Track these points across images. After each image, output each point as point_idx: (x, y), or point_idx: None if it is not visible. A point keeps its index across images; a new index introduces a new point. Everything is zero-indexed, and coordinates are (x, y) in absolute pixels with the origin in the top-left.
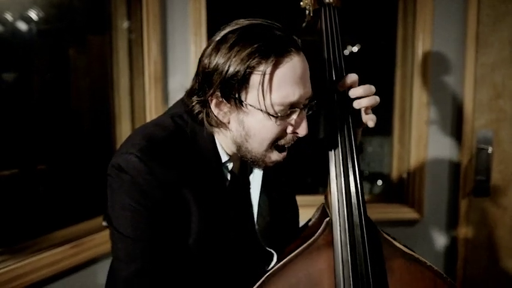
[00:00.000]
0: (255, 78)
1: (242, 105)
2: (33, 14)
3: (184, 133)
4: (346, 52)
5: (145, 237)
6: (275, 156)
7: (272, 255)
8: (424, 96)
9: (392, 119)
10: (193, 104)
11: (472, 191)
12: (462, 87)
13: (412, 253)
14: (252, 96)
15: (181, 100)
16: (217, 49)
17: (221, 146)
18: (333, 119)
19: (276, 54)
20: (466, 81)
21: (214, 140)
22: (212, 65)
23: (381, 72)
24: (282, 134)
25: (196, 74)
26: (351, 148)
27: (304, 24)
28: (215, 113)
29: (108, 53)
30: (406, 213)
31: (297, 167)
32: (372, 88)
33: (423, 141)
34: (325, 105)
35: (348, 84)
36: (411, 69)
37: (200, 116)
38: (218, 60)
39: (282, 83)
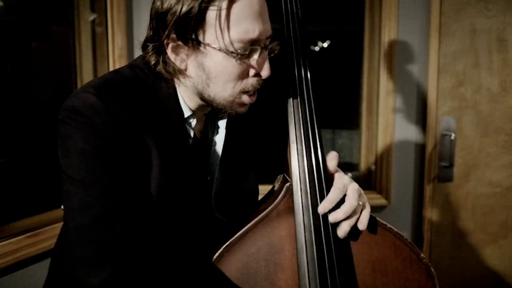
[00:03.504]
0: (211, 15)
1: (200, 46)
2: None
3: (144, 83)
4: (317, 48)
5: (103, 181)
6: (244, 98)
7: (232, 223)
8: (390, 84)
9: (361, 107)
10: (149, 54)
11: (437, 177)
12: (426, 75)
13: (373, 216)
14: (209, 34)
15: (141, 56)
16: None
17: (183, 100)
18: (294, 90)
19: None
20: (430, 69)
21: (176, 93)
22: (165, 5)
23: (350, 64)
24: (245, 76)
25: (150, 20)
26: (311, 111)
27: None
28: (172, 59)
29: (72, 45)
30: (375, 199)
31: (265, 147)
32: (353, 204)
33: (390, 129)
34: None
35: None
36: (378, 58)
37: (158, 67)
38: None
39: (241, 18)
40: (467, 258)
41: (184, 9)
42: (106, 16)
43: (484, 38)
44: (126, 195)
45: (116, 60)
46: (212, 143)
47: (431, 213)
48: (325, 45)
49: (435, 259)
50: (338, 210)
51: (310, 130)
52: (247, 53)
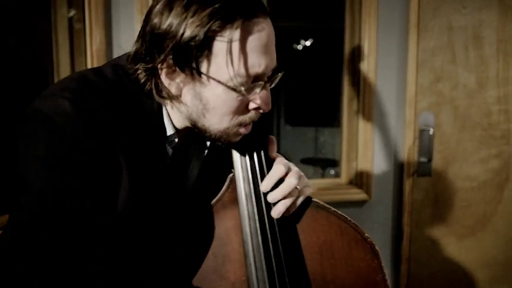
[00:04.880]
0: (218, 46)
1: (200, 76)
2: None
3: (127, 91)
4: (300, 47)
5: (58, 198)
6: (240, 130)
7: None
8: (371, 80)
9: (342, 104)
10: (139, 72)
11: (416, 172)
12: (405, 71)
13: (317, 200)
14: (212, 66)
15: (127, 55)
16: (169, 6)
17: (169, 118)
18: None
19: (242, 17)
20: (409, 65)
21: (161, 109)
22: (164, 26)
23: (332, 62)
24: (244, 110)
25: (143, 36)
26: None
27: None
28: (166, 84)
29: (49, 41)
30: (356, 194)
31: None
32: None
33: (370, 125)
34: None
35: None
36: (358, 55)
37: (148, 86)
38: (171, 20)
39: (250, 52)
40: (446, 252)
41: (187, 34)
42: (84, 12)
43: (460, 35)
44: (83, 216)
45: (94, 57)
46: (191, 160)
47: (410, 208)
48: (308, 43)
49: (415, 253)
50: (276, 190)
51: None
52: (250, 87)
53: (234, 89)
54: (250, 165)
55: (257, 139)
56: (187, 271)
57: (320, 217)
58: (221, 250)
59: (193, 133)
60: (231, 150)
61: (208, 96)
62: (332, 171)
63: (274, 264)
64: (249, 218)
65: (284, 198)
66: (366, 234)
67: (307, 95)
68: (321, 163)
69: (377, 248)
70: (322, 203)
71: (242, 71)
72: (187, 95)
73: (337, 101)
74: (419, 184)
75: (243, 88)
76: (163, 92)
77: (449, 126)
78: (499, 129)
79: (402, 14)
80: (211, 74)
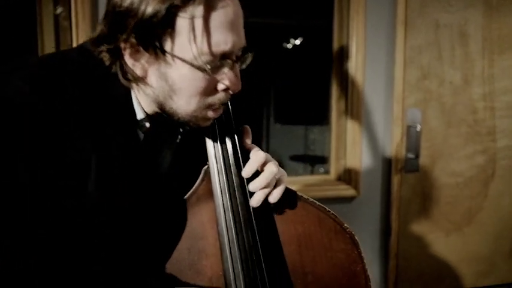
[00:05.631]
0: (181, 22)
1: (164, 55)
2: None
3: (93, 75)
4: (289, 45)
5: (14, 196)
6: (209, 114)
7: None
8: (359, 77)
9: (330, 101)
10: (103, 54)
11: (403, 168)
12: (393, 68)
13: (294, 191)
14: (176, 44)
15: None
16: None
17: (138, 102)
18: None
19: None
20: (396, 62)
21: (130, 92)
22: (126, 4)
23: (321, 61)
24: (213, 91)
25: (105, 16)
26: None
27: None
28: (130, 65)
29: (35, 39)
30: (344, 190)
31: None
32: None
33: (358, 122)
34: None
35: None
36: (346, 52)
37: (113, 69)
38: None
39: (214, 28)
40: (434, 247)
41: (149, 11)
42: (70, 10)
43: (447, 32)
44: (46, 212)
45: None
46: (163, 147)
47: (398, 204)
48: (298, 42)
49: (403, 248)
50: (258, 178)
51: (224, 112)
52: (217, 66)
53: (199, 68)
54: (225, 156)
55: (231, 130)
56: (159, 263)
57: (298, 208)
58: (197, 245)
59: (164, 119)
60: (205, 142)
61: (174, 77)
62: (321, 169)
63: (251, 257)
64: (225, 211)
65: (264, 187)
66: (345, 225)
67: (297, 94)
68: (310, 160)
69: (356, 238)
70: (300, 194)
71: (206, 49)
72: (152, 76)
73: (326, 99)
74: (407, 180)
75: (209, 67)
76: (128, 74)
77: (436, 122)
78: (485, 126)
79: (390, 12)
80: (176, 52)
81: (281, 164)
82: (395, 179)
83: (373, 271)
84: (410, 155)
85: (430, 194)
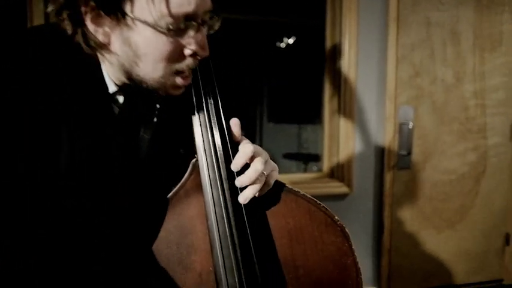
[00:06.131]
0: None
1: (125, 19)
2: None
3: (61, 51)
4: (283, 45)
5: None
6: (178, 81)
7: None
8: (351, 75)
9: (323, 99)
10: (65, 22)
11: (396, 165)
12: (385, 66)
13: (285, 184)
14: (136, 6)
15: None
16: None
17: (108, 75)
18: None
19: None
20: (389, 60)
21: (100, 65)
22: None
23: (315, 60)
24: (179, 56)
25: None
26: (211, 78)
27: None
28: (92, 31)
29: None
30: (337, 187)
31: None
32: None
33: (351, 119)
34: None
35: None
36: (339, 50)
37: (76, 38)
38: None
39: None
40: (426, 243)
41: None
42: None
43: (438, 30)
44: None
45: None
46: (140, 123)
47: (391, 201)
48: (291, 41)
49: (395, 244)
50: (243, 175)
51: (211, 98)
52: (181, 29)
53: (161, 31)
54: (214, 149)
55: (220, 122)
56: (138, 250)
57: (289, 201)
58: (185, 240)
59: (137, 92)
60: (194, 134)
61: (138, 41)
62: (315, 167)
63: (242, 251)
64: (215, 205)
65: (252, 183)
66: (336, 217)
67: (290, 93)
68: (303, 158)
69: (347, 231)
70: (290, 186)
71: (165, 10)
72: (116, 42)
73: (319, 98)
74: (399, 177)
75: (172, 28)
76: (91, 41)
77: (428, 120)
78: (476, 123)
79: (382, 10)
80: (136, 14)
81: (275, 162)
82: (388, 176)
83: (366, 267)
84: (403, 152)
85: (422, 191)
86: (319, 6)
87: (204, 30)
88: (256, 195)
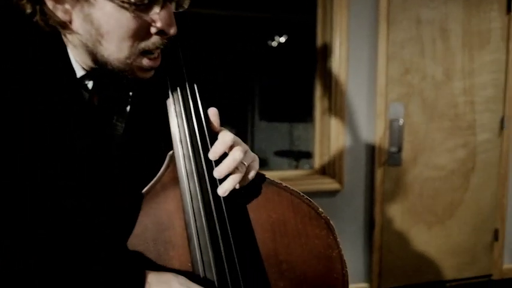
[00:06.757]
0: None
1: None
2: None
3: (22, 34)
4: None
5: None
6: (144, 62)
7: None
8: (342, 72)
9: (314, 96)
10: (23, 1)
11: (386, 161)
12: (375, 63)
13: (266, 176)
14: None
15: None
16: None
17: (75, 59)
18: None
19: None
20: (379, 57)
21: (66, 48)
22: None
23: (306, 58)
24: (145, 34)
25: None
26: (187, 67)
27: None
28: (51, 8)
29: None
30: (328, 184)
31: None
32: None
33: (341, 116)
34: None
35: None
36: (330, 47)
37: (35, 18)
38: None
39: None
40: (417, 239)
41: None
42: None
43: (428, 27)
44: None
45: None
46: (112, 111)
47: (382, 197)
48: (283, 40)
49: (387, 240)
50: (221, 164)
51: (188, 88)
52: (145, 4)
53: (124, 7)
54: (191, 140)
55: (197, 112)
56: (113, 242)
57: (271, 193)
58: (163, 236)
59: (106, 76)
60: (170, 124)
61: (99, 18)
62: (307, 165)
63: (221, 246)
64: (192, 198)
65: (231, 173)
66: (320, 210)
67: (281, 91)
68: (294, 155)
69: (332, 223)
70: (272, 179)
71: None
72: (77, 20)
73: (311, 96)
74: (389, 173)
75: (134, 4)
76: (51, 20)
77: (418, 116)
78: (465, 120)
79: (372, 8)
80: None
81: (266, 160)
82: (379, 173)
83: (358, 263)
84: (393, 149)
85: (412, 187)
86: (311, 3)
87: (172, 6)
88: (237, 187)
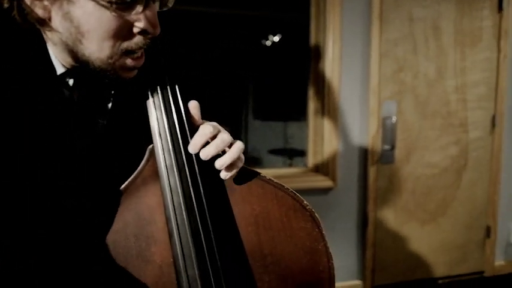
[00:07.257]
0: None
1: None
2: None
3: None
4: (268, 43)
5: None
6: (128, 62)
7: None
8: (335, 70)
9: (308, 94)
10: None
11: (379, 159)
12: (368, 61)
13: (249, 169)
14: None
15: None
16: None
17: (55, 56)
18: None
19: None
20: (372, 55)
21: (45, 45)
22: None
23: (300, 57)
24: (127, 34)
25: None
26: (170, 72)
27: None
28: (29, 4)
29: None
30: (322, 181)
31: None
32: (225, 140)
33: (335, 114)
34: None
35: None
36: (323, 45)
37: (13, 14)
38: None
39: None
40: (409, 236)
41: None
42: None
43: (420, 26)
44: None
45: None
46: (93, 109)
47: (375, 194)
48: (276, 39)
49: (380, 237)
50: (208, 145)
51: (167, 81)
52: (127, 2)
53: (104, 5)
54: (170, 133)
55: (177, 104)
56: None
57: (254, 186)
58: (144, 231)
59: (88, 75)
60: (149, 118)
61: (79, 16)
62: (301, 164)
63: (203, 240)
64: (172, 192)
65: (224, 155)
66: (305, 202)
67: (275, 90)
68: (288, 153)
69: (317, 216)
70: (255, 171)
71: None
72: (56, 18)
73: (305, 94)
74: (383, 171)
75: (115, 3)
76: (30, 17)
77: (411, 114)
78: (457, 118)
79: (365, 6)
80: None
81: (260, 158)
82: (372, 170)
83: (351, 260)
84: (386, 147)
85: (405, 185)
86: (304, 2)
87: (155, 6)
88: (230, 174)
